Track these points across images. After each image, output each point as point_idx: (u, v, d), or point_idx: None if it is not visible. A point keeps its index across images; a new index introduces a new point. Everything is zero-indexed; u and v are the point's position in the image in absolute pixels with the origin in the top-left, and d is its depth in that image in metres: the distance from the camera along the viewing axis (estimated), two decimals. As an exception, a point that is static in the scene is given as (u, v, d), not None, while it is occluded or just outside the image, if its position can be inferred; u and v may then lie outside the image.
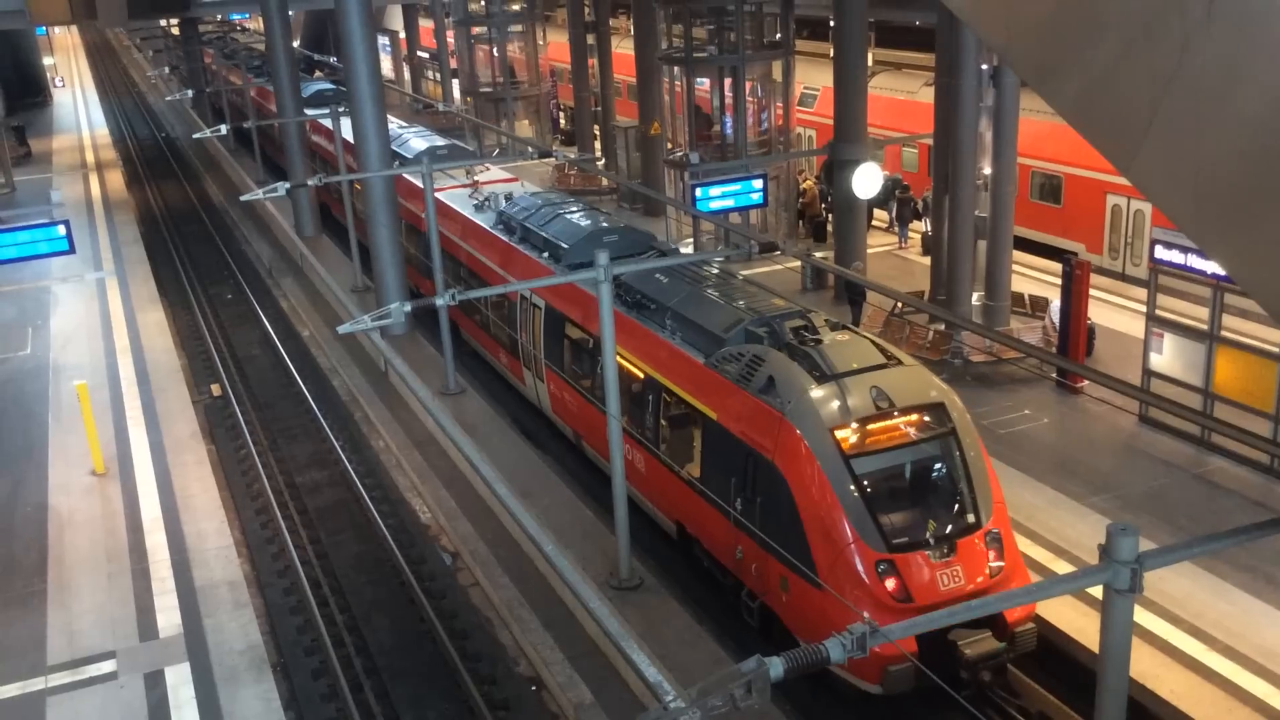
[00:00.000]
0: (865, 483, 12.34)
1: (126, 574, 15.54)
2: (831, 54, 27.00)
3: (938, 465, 12.92)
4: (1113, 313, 22.61)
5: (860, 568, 11.95)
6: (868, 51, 28.46)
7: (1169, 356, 17.83)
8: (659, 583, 14.95)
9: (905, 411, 12.92)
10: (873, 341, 14.06)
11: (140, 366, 23.20)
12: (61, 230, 21.35)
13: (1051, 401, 19.41)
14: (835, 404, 12.71)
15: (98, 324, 26.00)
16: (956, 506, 12.68)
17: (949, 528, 12.44)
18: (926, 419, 12.99)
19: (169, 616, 14.50)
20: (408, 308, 14.28)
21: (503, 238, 21.32)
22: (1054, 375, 19.92)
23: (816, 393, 12.82)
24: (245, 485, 20.03)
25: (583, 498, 17.47)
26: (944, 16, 21.59)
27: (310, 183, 24.17)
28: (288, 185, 23.03)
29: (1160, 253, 17.54)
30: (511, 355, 21.17)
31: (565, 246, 19.10)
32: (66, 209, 36.21)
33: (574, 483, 18.09)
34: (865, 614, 10.02)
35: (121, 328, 25.65)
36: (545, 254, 19.67)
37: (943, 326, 21.06)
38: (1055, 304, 20.63)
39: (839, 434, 12.50)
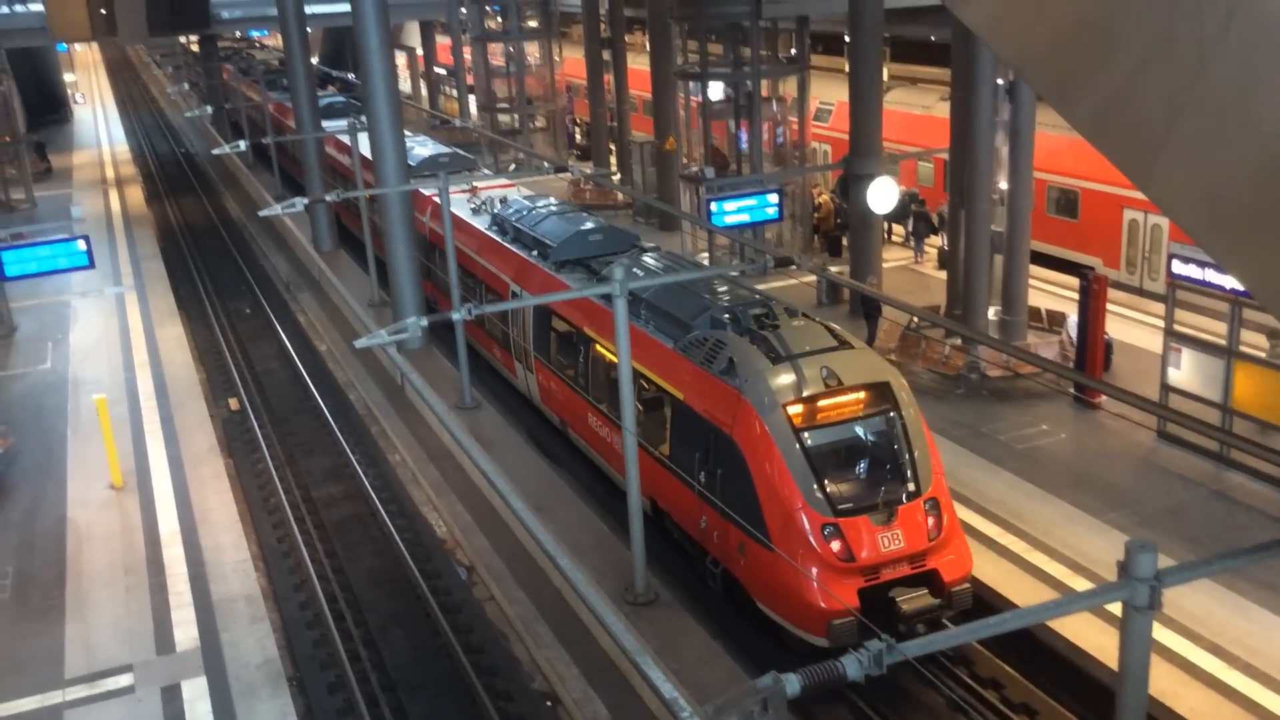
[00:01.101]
0: (813, 454, 13.43)
1: (144, 588, 15.60)
2: (847, 69, 27.03)
3: (881, 438, 13.96)
4: (1130, 328, 22.51)
5: (807, 531, 13.01)
6: (883, 66, 28.48)
7: (1187, 372, 17.74)
8: (675, 598, 14.93)
9: (852, 389, 13.98)
10: (825, 327, 15.13)
11: (159, 381, 23.33)
12: (82, 245, 21.54)
13: (1069, 417, 19.33)
14: (787, 382, 13.80)
15: (117, 338, 26.16)
16: (897, 476, 13.73)
17: (890, 495, 13.50)
18: (872, 396, 14.04)
19: (186, 630, 14.54)
20: (424, 322, 14.34)
21: (496, 238, 22.42)
22: (1071, 390, 19.83)
23: (771, 372, 13.88)
24: (262, 499, 20.10)
25: (599, 512, 17.47)
26: (959, 32, 21.61)
27: (328, 198, 24.30)
28: (306, 200, 23.15)
29: (1178, 267, 17.47)
30: (503, 349, 22.02)
31: (552, 245, 20.26)
32: (86, 224, 36.52)
33: (590, 497, 18.09)
34: (813, 570, 12.56)
35: (140, 342, 25.80)
36: (535, 252, 20.78)
37: (959, 341, 21.00)
38: (1072, 319, 20.56)
39: (790, 409, 13.57)
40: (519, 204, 23.39)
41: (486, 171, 29.34)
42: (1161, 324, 18.49)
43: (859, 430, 13.98)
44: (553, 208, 22.72)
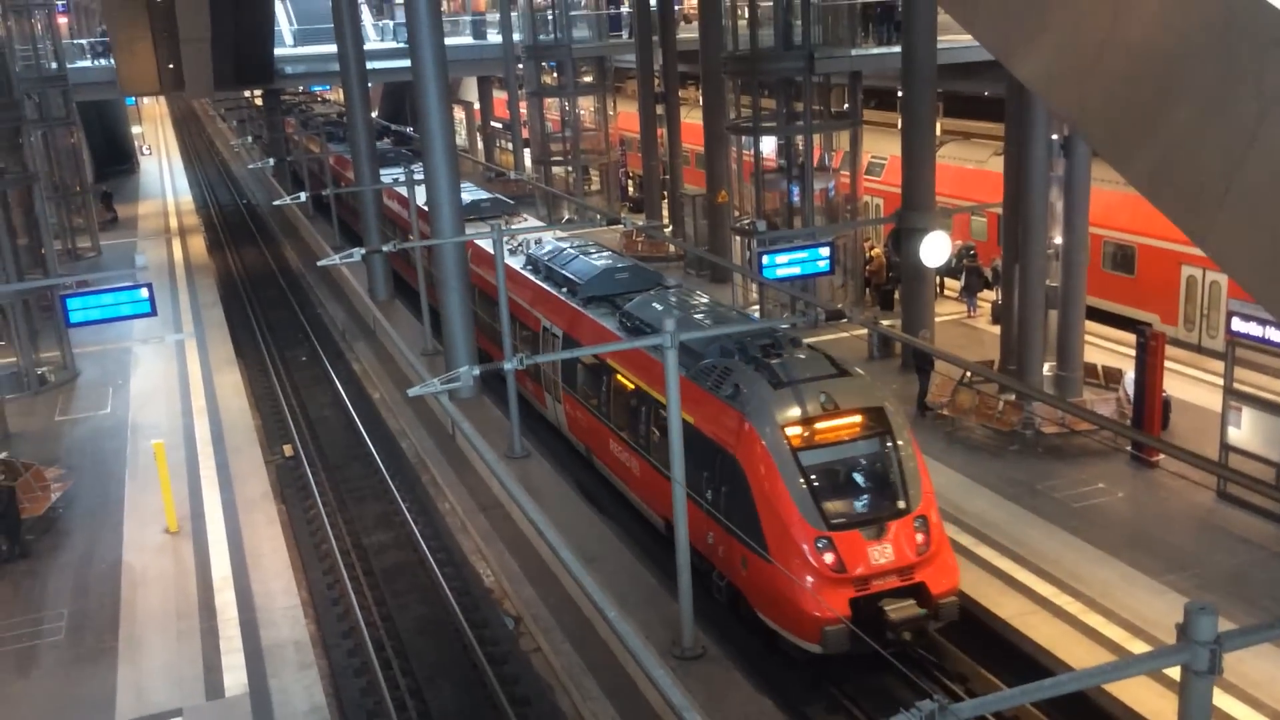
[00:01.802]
0: (810, 472, 14.40)
1: (196, 632, 15.74)
2: (899, 124, 27.10)
3: (874, 459, 14.89)
4: (1189, 385, 22.14)
5: (802, 544, 13.92)
6: (936, 121, 28.52)
7: (1247, 431, 17.39)
8: (722, 653, 14.79)
9: (848, 413, 14.98)
10: (826, 356, 16.20)
11: (216, 427, 23.68)
12: (144, 293, 21.96)
13: (1126, 475, 19.00)
14: (788, 406, 14.79)
15: (176, 384, 26.63)
16: (889, 494, 14.65)
17: (881, 512, 14.39)
18: (867, 420, 14.99)
19: (235, 676, 14.63)
20: (476, 371, 14.46)
21: (530, 276, 23.69)
22: (1129, 449, 19.51)
23: (772, 397, 14.88)
24: (314, 545, 20.25)
25: (646, 564, 17.39)
26: (1013, 87, 21.60)
27: (385, 249, 24.68)
28: (363, 251, 23.51)
29: (1237, 325, 17.20)
30: (534, 380, 22.79)
31: (580, 282, 21.64)
32: (149, 272, 37.23)
33: (638, 549, 18.03)
34: (807, 581, 13.56)
35: (199, 388, 26.24)
36: (564, 289, 22.06)
37: (1013, 397, 20.78)
38: (1129, 375, 20.28)
39: (789, 431, 14.58)
40: (551, 245, 24.93)
41: (526, 217, 31.29)
42: (1220, 382, 18.19)
43: (853, 451, 14.89)
44: (582, 248, 24.14)
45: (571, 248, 24.13)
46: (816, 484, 14.35)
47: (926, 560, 14.21)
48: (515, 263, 24.49)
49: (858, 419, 14.96)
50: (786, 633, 14.23)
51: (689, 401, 15.57)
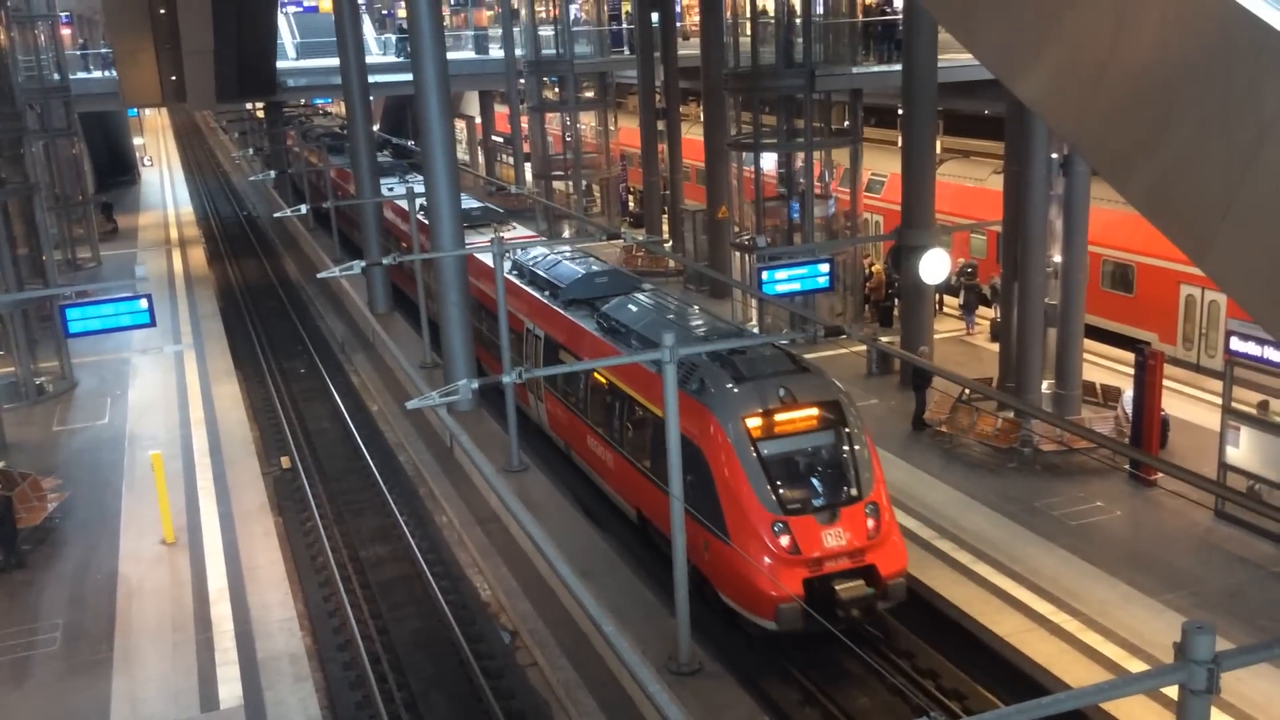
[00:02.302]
0: (768, 461, 15.23)
1: (191, 644, 15.70)
2: (900, 142, 27.18)
3: (829, 449, 15.72)
4: (1187, 404, 22.16)
5: (759, 528, 14.75)
6: (936, 139, 28.62)
7: (1245, 450, 17.40)
8: (720, 668, 14.76)
9: (805, 406, 15.79)
10: (788, 354, 17.08)
11: (213, 438, 23.66)
12: (144, 304, 21.98)
13: (1124, 494, 19.00)
14: (748, 400, 15.61)
15: (174, 395, 26.62)
16: (841, 482, 15.47)
17: (834, 498, 15.22)
18: (823, 413, 15.80)
19: (231, 688, 14.59)
20: (475, 385, 14.47)
21: (515, 281, 24.38)
22: (1127, 467, 19.52)
23: (734, 390, 15.74)
24: (310, 558, 20.21)
25: (644, 579, 17.37)
26: (1013, 106, 21.69)
27: (385, 261, 24.72)
28: (363, 263, 23.53)
29: (1236, 344, 17.23)
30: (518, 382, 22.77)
31: (561, 285, 22.58)
32: (149, 283, 37.31)
33: (635, 563, 18.00)
34: (764, 562, 14.47)
35: (197, 399, 26.23)
36: (547, 292, 22.93)
37: (1012, 414, 20.79)
38: (1128, 394, 20.30)
39: (749, 423, 15.41)
40: (536, 251, 26.09)
41: (516, 225, 32.43)
42: (1219, 401, 18.20)
43: (809, 442, 15.70)
44: (566, 254, 25.40)
45: (554, 253, 25.42)
46: (774, 472, 15.20)
47: (876, 544, 15.06)
48: (490, 260, 24.56)
49: (814, 412, 15.81)
50: (744, 611, 15.06)
51: (658, 398, 16.20)
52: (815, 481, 15.53)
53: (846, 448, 15.66)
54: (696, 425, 15.62)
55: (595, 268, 23.34)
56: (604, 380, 19.09)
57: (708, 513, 15.08)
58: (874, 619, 15.42)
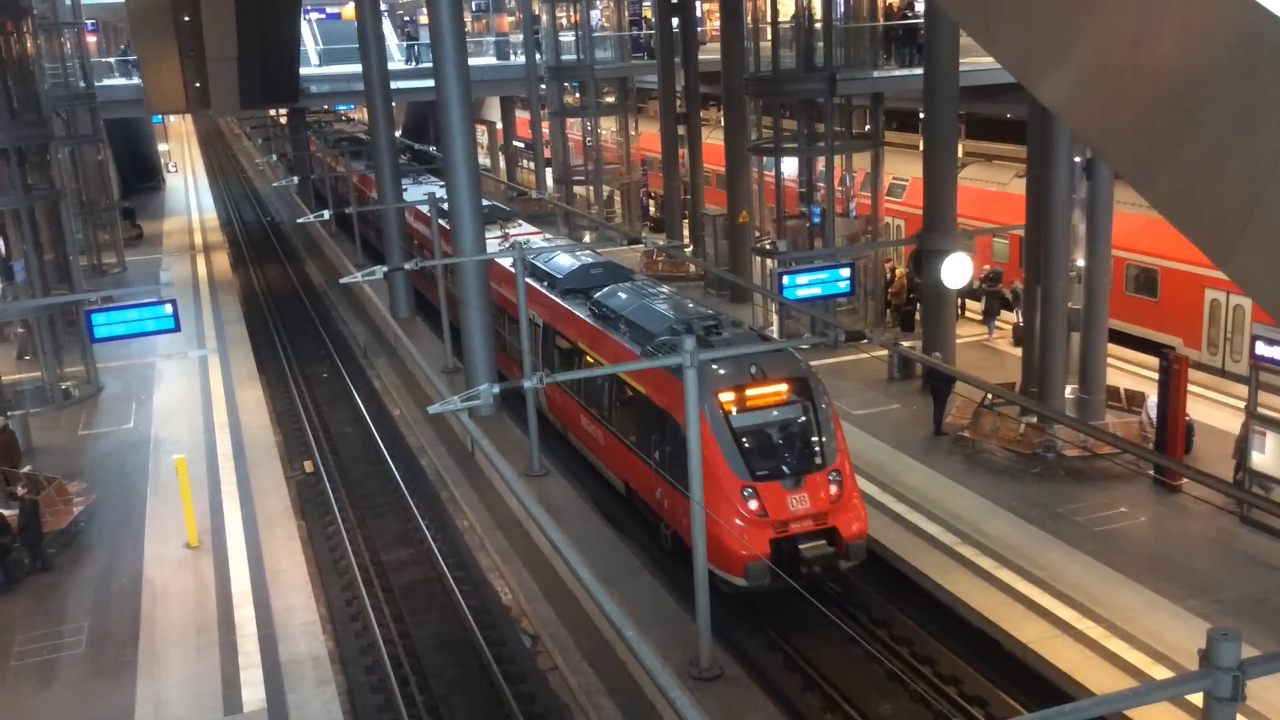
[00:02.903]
0: (739, 431, 16.50)
1: (214, 647, 15.79)
2: (921, 145, 27.10)
3: (796, 421, 16.98)
4: (1212, 409, 21.98)
5: (730, 493, 16.03)
6: (958, 143, 28.54)
7: (1271, 455, 17.25)
8: (741, 673, 14.74)
9: (775, 382, 17.08)
10: (760, 335, 18.77)
11: (237, 442, 23.80)
12: (169, 309, 22.15)
13: (1149, 499, 18.87)
14: (722, 375, 16.89)
15: (198, 400, 26.79)
16: (807, 451, 16.76)
17: (799, 466, 16.50)
18: (792, 388, 17.11)
19: (254, 691, 14.67)
20: (496, 389, 14.51)
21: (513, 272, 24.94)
22: (1151, 472, 19.38)
23: (708, 368, 16.65)
24: (333, 561, 20.30)
25: (665, 584, 17.36)
26: (1036, 110, 21.59)
27: (407, 266, 24.81)
28: (385, 269, 23.63)
29: (1261, 349, 17.10)
30: (520, 366, 24.13)
31: (559, 276, 23.94)
32: (174, 288, 37.56)
33: (656, 568, 18.00)
34: (734, 524, 15.76)
35: (221, 404, 26.39)
36: (545, 283, 24.26)
37: (1035, 419, 20.68)
38: (1152, 399, 20.16)
39: (723, 397, 16.68)
40: (537, 244, 27.80)
41: (521, 222, 33.54)
42: (1244, 406, 18.06)
43: (778, 414, 16.96)
44: (564, 248, 27.17)
45: (552, 246, 27.31)
46: (745, 442, 16.47)
47: (838, 508, 16.38)
48: (505, 261, 25.40)
49: (783, 388, 17.12)
50: (717, 569, 15.88)
51: (642, 376, 18.14)
52: (782, 451, 16.77)
53: (812, 420, 16.96)
54: (675, 400, 16.72)
55: (590, 260, 24.85)
56: (596, 364, 20.47)
57: (684, 480, 15.85)
58: (836, 576, 16.77)
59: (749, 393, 16.87)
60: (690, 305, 20.85)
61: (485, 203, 34.29)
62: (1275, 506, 13.87)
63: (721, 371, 16.91)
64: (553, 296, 23.42)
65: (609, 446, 20.26)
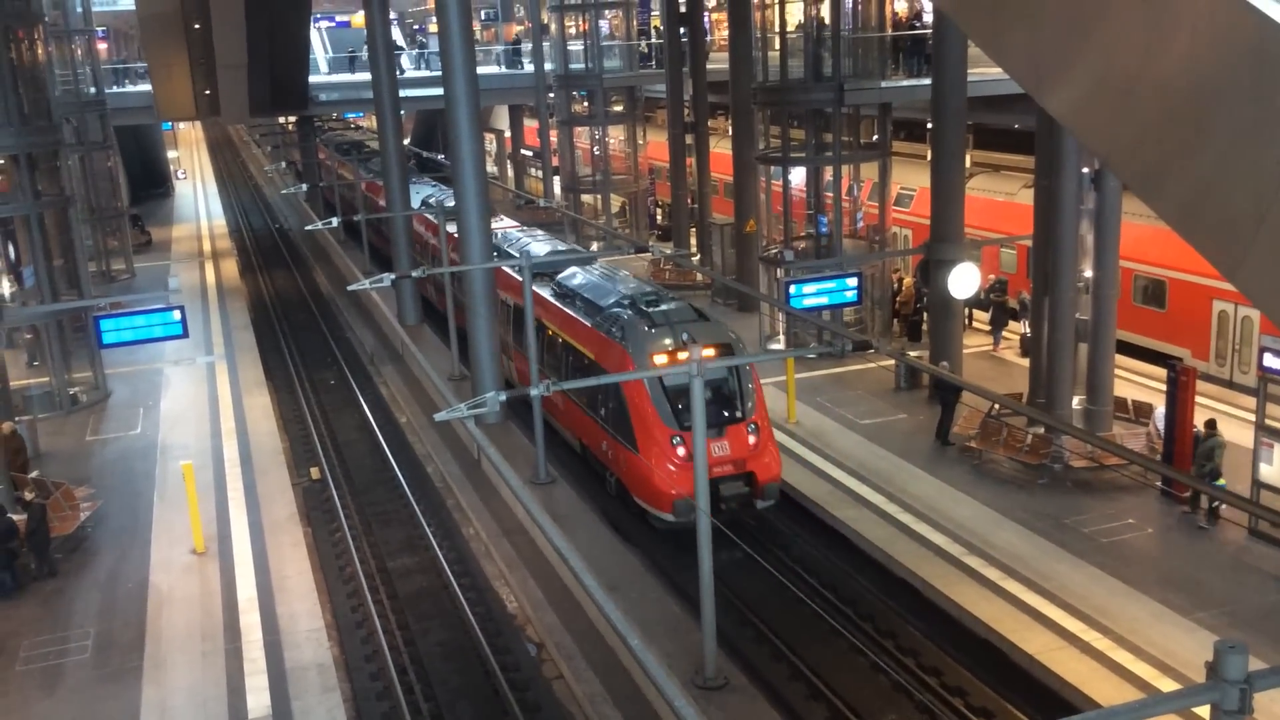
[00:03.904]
0: (670, 390, 18.97)
1: (220, 653, 15.80)
2: (929, 155, 27.10)
3: (720, 380, 19.21)
4: (1220, 421, 21.87)
5: (661, 441, 18.68)
6: (966, 153, 28.53)
7: (1279, 467, 17.21)
8: (746, 683, 14.71)
9: (703, 346, 17.85)
10: (693, 308, 21.04)
11: (244, 449, 23.83)
12: (177, 315, 22.20)
13: (1156, 511, 18.82)
14: (657, 341, 19.60)
15: (205, 406, 26.83)
16: (729, 406, 19.15)
17: (722, 419, 18.81)
18: (718, 352, 19.15)
19: (259, 698, 14.67)
20: (503, 397, 14.53)
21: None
22: (1159, 484, 19.33)
23: (645, 333, 19.71)
24: (339, 568, 20.31)
25: (671, 592, 17.35)
26: (1044, 121, 21.59)
27: (414, 274, 24.88)
28: (393, 276, 23.69)
29: (1270, 360, 17.06)
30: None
31: (529, 262, 25.06)
32: (182, 295, 37.64)
33: (661, 577, 17.99)
34: (664, 468, 18.50)
35: (228, 410, 26.43)
36: (515, 267, 25.39)
37: (1042, 430, 20.64)
38: (1160, 410, 20.11)
39: (656, 359, 19.23)
40: (514, 234, 30.66)
41: (503, 217, 34.93)
42: (1253, 418, 18.01)
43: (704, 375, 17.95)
44: (536, 236, 30.26)
45: (526, 235, 30.15)
46: (674, 398, 18.86)
47: (756, 455, 18.93)
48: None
49: (711, 351, 18.73)
50: (650, 507, 18.89)
51: (591, 343, 20.95)
52: (708, 405, 17.76)
53: (735, 380, 19.39)
54: (616, 361, 19.81)
55: (557, 246, 28.40)
56: (559, 338, 22.84)
57: (623, 432, 19.10)
58: (751, 513, 19.22)
59: (679, 356, 18.87)
60: (635, 283, 23.36)
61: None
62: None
63: (656, 338, 19.64)
64: (522, 280, 24.58)
65: (567, 411, 22.49)
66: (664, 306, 20.71)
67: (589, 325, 21.46)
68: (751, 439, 18.93)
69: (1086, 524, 18.35)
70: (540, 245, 28.33)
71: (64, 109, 34.77)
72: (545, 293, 23.96)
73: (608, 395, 19.99)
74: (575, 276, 24.14)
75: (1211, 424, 18.68)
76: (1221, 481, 17.80)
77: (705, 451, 14.35)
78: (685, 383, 17.87)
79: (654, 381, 18.84)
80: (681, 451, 18.47)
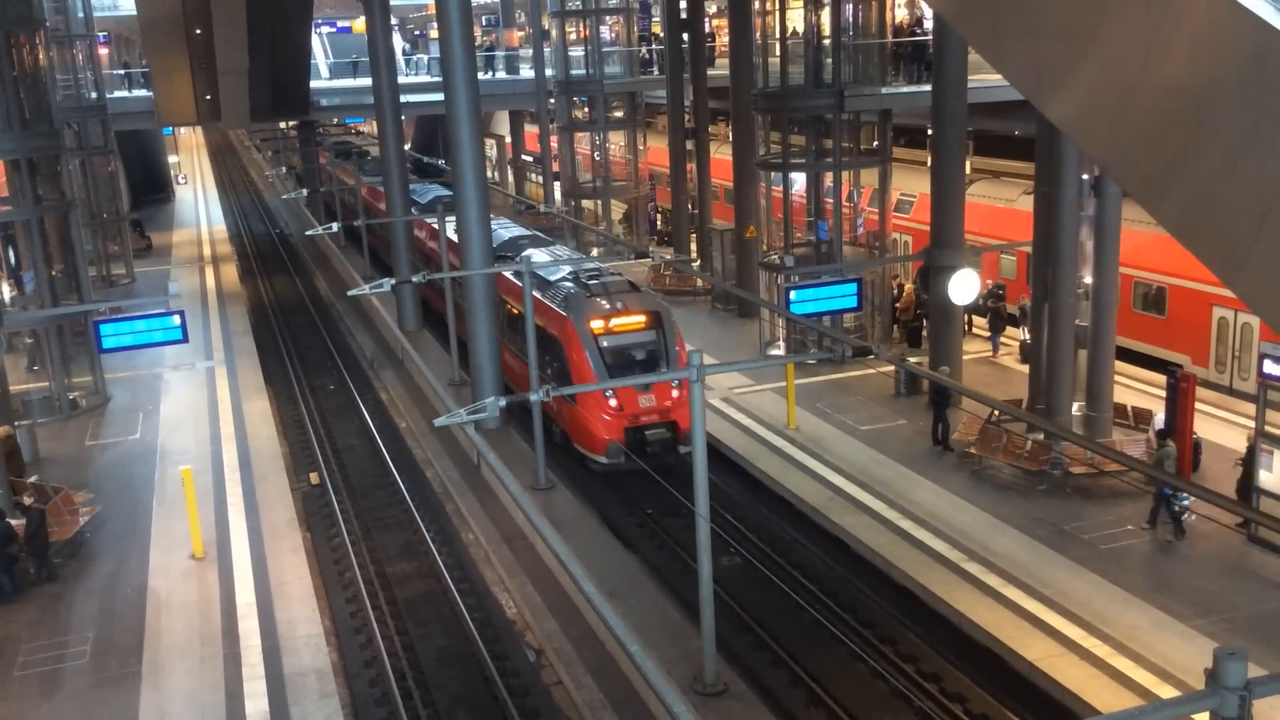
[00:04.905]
0: (605, 350, 22.36)
1: (218, 658, 15.79)
2: (929, 162, 27.12)
3: (648, 343, 22.86)
4: (1220, 427, 21.91)
5: (596, 393, 21.51)
6: (966, 160, 28.53)
7: (1279, 474, 17.17)
8: (745, 689, 14.69)
9: (634, 314, 23.05)
10: (629, 281, 24.40)
11: (243, 454, 23.83)
12: (176, 320, 22.22)
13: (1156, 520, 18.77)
14: (595, 309, 22.87)
15: (205, 411, 26.83)
16: (654, 364, 22.55)
17: (649, 374, 21.49)
18: (648, 319, 23.04)
19: (257, 703, 14.65)
20: (502, 402, 14.53)
21: (454, 238, 28.61)
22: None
23: (585, 302, 22.96)
24: (338, 574, 20.28)
25: (669, 598, 17.32)
26: (1044, 127, 21.60)
27: (414, 279, 24.89)
28: (393, 281, 23.67)
29: (1269, 367, 17.04)
30: (460, 320, 27.98)
31: (494, 245, 27.06)
32: (182, 300, 37.64)
33: (661, 582, 17.97)
34: (598, 417, 21.83)
35: (228, 415, 26.43)
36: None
37: (1041, 436, 20.62)
38: (1159, 417, 20.10)
39: (593, 324, 22.54)
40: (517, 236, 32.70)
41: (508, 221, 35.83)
42: (1252, 424, 17.99)
43: (635, 338, 22.89)
44: (503, 224, 32.82)
45: (494, 223, 31.12)
46: (608, 357, 22.23)
47: (677, 406, 21.75)
48: (454, 236, 28.80)
49: (641, 318, 22.97)
50: (586, 451, 22.04)
51: (542, 314, 23.29)
52: (637, 364, 22.55)
53: (661, 342, 22.83)
54: (559, 327, 22.95)
55: (520, 232, 31.74)
56: (511, 307, 25.53)
57: (565, 385, 20.72)
58: (674, 456, 21.73)
59: (613, 322, 22.73)
60: (581, 262, 27.15)
61: (448, 193, 36.98)
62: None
63: (594, 306, 22.87)
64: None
65: (522, 372, 24.35)
66: (602, 280, 23.96)
67: (543, 300, 23.94)
68: (674, 393, 21.91)
69: (1086, 530, 18.33)
70: (504, 230, 30.83)
71: (65, 114, 34.78)
72: (507, 272, 25.57)
73: (553, 357, 23.01)
74: (532, 257, 26.16)
75: (1162, 434, 18.76)
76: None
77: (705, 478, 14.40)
78: (617, 344, 22.58)
79: (589, 343, 22.10)
80: (614, 403, 21.72)
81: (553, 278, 24.91)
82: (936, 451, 21.98)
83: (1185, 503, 17.75)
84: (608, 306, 22.82)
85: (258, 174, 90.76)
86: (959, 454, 21.64)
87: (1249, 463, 17.99)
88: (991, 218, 32.16)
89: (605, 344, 22.31)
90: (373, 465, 25.77)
